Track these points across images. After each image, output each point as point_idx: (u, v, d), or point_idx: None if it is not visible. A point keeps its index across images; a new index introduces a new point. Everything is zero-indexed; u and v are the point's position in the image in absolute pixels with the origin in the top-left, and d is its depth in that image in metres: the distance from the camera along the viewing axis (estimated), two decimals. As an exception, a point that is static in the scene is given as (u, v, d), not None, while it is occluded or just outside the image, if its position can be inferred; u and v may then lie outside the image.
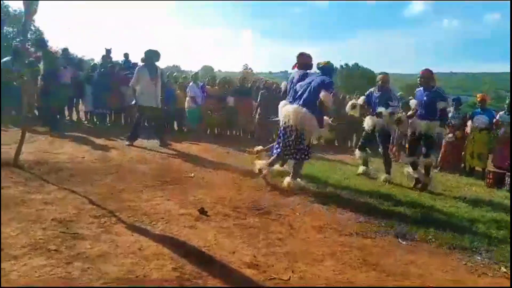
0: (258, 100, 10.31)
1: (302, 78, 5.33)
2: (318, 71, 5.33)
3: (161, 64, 9.38)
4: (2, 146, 5.32)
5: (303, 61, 5.54)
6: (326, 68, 5.26)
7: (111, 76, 10.00)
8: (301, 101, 5.04)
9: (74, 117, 10.38)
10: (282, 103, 5.45)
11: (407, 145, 7.40)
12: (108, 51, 10.81)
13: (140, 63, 7.52)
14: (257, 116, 10.32)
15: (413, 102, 6.35)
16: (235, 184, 5.11)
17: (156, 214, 3.57)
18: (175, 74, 12.58)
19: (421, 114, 6.13)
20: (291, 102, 5.23)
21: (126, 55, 11.18)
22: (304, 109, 4.97)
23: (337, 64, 47.07)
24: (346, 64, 48.62)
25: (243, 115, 10.40)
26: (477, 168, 8.52)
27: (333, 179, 5.96)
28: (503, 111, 8.38)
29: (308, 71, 5.47)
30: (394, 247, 3.43)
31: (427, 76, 6.08)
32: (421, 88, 6.18)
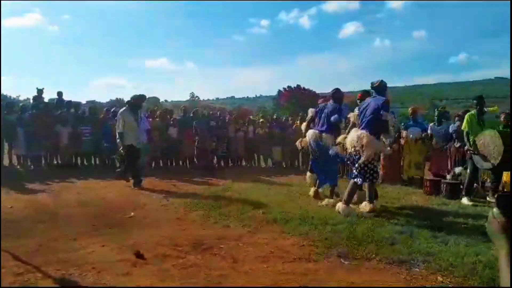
0: (194, 127, 10.30)
1: (333, 110, 6.15)
2: (372, 90, 5.70)
3: (104, 98, 9.27)
4: None
5: (339, 96, 6.33)
6: (380, 88, 5.56)
7: (44, 116, 9.51)
8: (363, 126, 5.41)
9: (6, 163, 9.68)
10: (310, 131, 6.41)
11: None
12: (40, 91, 10.32)
13: (122, 108, 7.83)
14: (195, 144, 10.25)
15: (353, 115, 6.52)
16: (178, 220, 4.95)
17: (88, 263, 3.33)
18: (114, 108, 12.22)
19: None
20: (320, 131, 6.24)
21: (59, 94, 10.73)
22: (367, 132, 5.33)
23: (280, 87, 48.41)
24: (289, 87, 49.91)
25: (187, 145, 10.26)
26: (415, 177, 8.90)
27: (278, 203, 5.96)
28: (433, 123, 8.93)
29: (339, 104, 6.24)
30: (337, 268, 3.43)
31: (365, 97, 6.35)
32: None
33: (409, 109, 9.51)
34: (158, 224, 4.79)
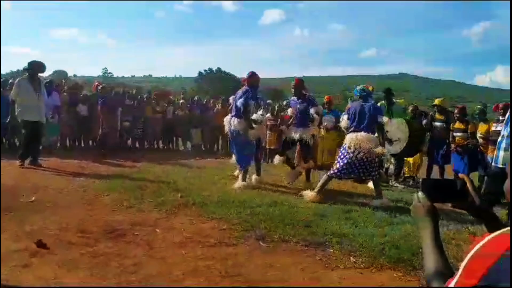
0: (100, 105, 9.48)
1: (242, 95, 6.11)
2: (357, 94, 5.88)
3: (4, 69, 8.21)
4: None
5: (252, 79, 6.29)
6: (369, 93, 5.87)
7: None
8: (364, 127, 5.52)
9: None
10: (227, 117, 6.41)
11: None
12: None
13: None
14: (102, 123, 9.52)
15: (290, 110, 6.68)
16: (86, 204, 4.56)
17: (-25, 255, 2.89)
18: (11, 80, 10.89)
19: (298, 122, 6.38)
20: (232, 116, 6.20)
21: None
22: (371, 135, 5.52)
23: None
24: (210, 69, 49.42)
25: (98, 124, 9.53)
26: (326, 163, 9.29)
27: (196, 186, 5.82)
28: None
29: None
30: (255, 252, 3.42)
31: (300, 86, 6.44)
32: (294, 97, 6.51)
33: (325, 98, 9.87)
34: (63, 208, 4.35)
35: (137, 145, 11.30)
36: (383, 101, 7.24)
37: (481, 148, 6.84)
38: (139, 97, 11.54)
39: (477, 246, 0.95)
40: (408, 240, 3.76)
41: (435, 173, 7.79)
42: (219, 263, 3.13)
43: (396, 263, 3.21)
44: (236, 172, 6.88)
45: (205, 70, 49.68)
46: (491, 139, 6.57)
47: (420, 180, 1.34)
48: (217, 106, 11.84)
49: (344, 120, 6.13)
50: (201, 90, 44.40)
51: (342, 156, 5.65)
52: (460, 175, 1.41)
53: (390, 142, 6.61)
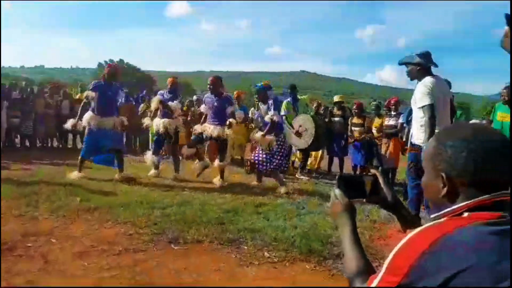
0: None
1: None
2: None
3: None
4: None
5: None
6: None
7: None
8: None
9: None
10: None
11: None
12: None
13: None
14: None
15: (203, 107, 6.56)
16: (-37, 216, 3.91)
17: None
18: None
19: (213, 120, 6.30)
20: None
21: None
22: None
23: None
24: (111, 60, 46.49)
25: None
26: (236, 157, 9.36)
27: (98, 188, 5.39)
28: (253, 108, 9.57)
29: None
30: (167, 256, 3.25)
31: (216, 83, 6.31)
32: (211, 94, 6.37)
33: (234, 93, 9.91)
34: None
35: (27, 143, 10.14)
36: (288, 99, 7.48)
37: (376, 140, 7.47)
38: (28, 90, 10.35)
39: (400, 243, 0.96)
40: (317, 230, 3.92)
41: (335, 165, 8.33)
42: (127, 271, 2.90)
43: (308, 255, 3.31)
44: (151, 172, 6.65)
45: (105, 62, 46.57)
46: (384, 132, 7.22)
47: (336, 177, 1.34)
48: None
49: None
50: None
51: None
52: (372, 170, 1.45)
53: (300, 135, 6.91)
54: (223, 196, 5.41)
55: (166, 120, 6.58)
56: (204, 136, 6.44)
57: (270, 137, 6.05)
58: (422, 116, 4.02)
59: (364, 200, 1.34)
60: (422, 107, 3.98)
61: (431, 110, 3.93)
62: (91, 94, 6.19)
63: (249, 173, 7.77)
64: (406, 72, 4.24)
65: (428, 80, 4.05)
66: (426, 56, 4.11)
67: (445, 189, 0.99)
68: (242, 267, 3.10)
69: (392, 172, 7.21)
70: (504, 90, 5.89)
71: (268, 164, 6.11)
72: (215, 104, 6.31)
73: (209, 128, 6.32)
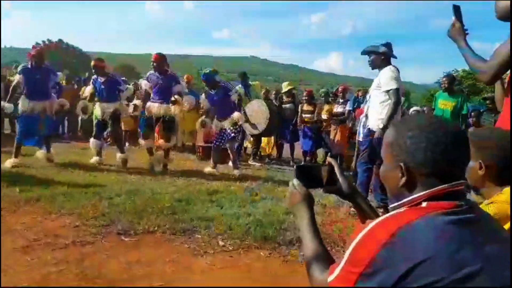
0: None
1: None
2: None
3: None
4: None
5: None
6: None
7: None
8: None
9: None
10: None
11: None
12: None
13: None
14: None
15: (145, 84, 6.23)
16: None
17: None
18: None
19: (157, 98, 6.07)
20: None
21: None
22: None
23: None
24: (49, 40, 43.51)
25: None
26: (187, 143, 9.21)
27: (39, 177, 5.07)
28: (204, 93, 9.39)
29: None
30: (117, 248, 3.13)
31: (161, 60, 6.02)
32: (155, 72, 6.07)
33: (184, 77, 9.66)
34: None
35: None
36: (239, 85, 7.43)
37: (325, 127, 7.66)
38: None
39: (361, 233, 0.97)
40: (271, 217, 3.95)
41: (286, 150, 8.47)
42: (74, 266, 2.75)
43: (262, 242, 3.33)
44: (93, 159, 6.35)
45: (43, 41, 43.50)
46: (334, 119, 7.41)
47: (294, 167, 1.34)
48: (61, 82, 10.46)
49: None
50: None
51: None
52: (328, 159, 1.46)
53: (253, 126, 6.93)
54: (175, 184, 5.30)
55: (105, 104, 6.28)
56: (155, 116, 6.18)
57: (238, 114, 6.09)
58: (384, 101, 4.14)
59: (321, 189, 1.36)
60: (388, 90, 4.10)
61: (397, 94, 4.08)
62: (19, 78, 5.98)
63: (201, 159, 7.71)
64: (368, 61, 4.36)
65: (393, 67, 4.21)
66: (389, 47, 4.27)
67: (404, 179, 1.01)
68: (196, 257, 3.06)
69: (340, 158, 7.45)
70: (444, 79, 6.24)
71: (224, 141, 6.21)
72: (160, 82, 6.08)
73: (154, 107, 6.10)
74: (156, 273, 2.74)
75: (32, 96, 5.95)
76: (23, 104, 5.93)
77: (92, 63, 6.40)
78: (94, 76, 6.48)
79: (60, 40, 44.45)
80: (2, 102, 6.10)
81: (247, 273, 2.84)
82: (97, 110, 6.41)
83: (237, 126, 6.13)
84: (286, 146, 8.52)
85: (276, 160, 8.38)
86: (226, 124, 6.06)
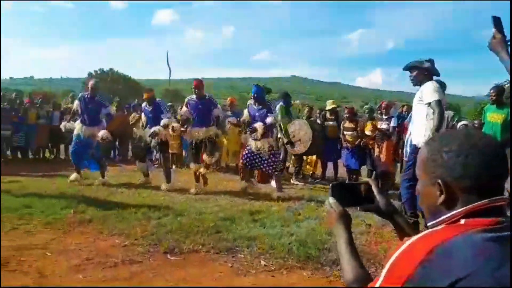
0: None
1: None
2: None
3: None
4: None
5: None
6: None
7: None
8: None
9: None
10: None
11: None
12: None
13: None
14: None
15: (184, 111, 6.54)
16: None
17: None
18: None
19: (197, 122, 6.31)
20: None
21: None
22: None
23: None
24: (101, 69, 46.29)
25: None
26: (230, 165, 9.35)
27: (92, 199, 5.34)
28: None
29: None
30: (163, 266, 3.23)
31: (199, 86, 6.31)
32: (194, 97, 6.34)
33: (228, 100, 9.91)
34: None
35: (19, 155, 10.04)
36: (281, 103, 7.50)
37: (369, 144, 7.50)
38: (18, 101, 10.26)
39: (398, 251, 0.96)
40: (314, 236, 3.91)
41: (329, 169, 8.34)
42: (123, 283, 2.88)
43: (305, 262, 3.30)
44: (141, 179, 6.71)
45: (95, 71, 46.35)
46: (377, 136, 7.25)
47: (330, 185, 1.34)
48: (106, 110, 11.07)
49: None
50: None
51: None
52: (365, 179, 1.46)
53: (292, 144, 6.93)
54: (218, 204, 5.39)
55: (154, 128, 6.51)
56: (194, 142, 6.40)
57: (264, 139, 6.06)
58: (427, 114, 4.03)
59: (358, 208, 1.35)
60: (430, 103, 3.99)
61: (440, 106, 3.97)
62: (76, 104, 6.91)
63: (243, 180, 7.77)
64: (410, 77, 4.25)
65: (435, 81, 4.14)
66: (432, 63, 4.18)
67: (443, 196, 0.99)
68: (240, 276, 3.09)
69: (386, 176, 7.23)
70: (492, 91, 5.96)
71: (258, 164, 6.17)
72: (200, 106, 6.30)
73: (194, 131, 6.33)
74: (200, 292, 2.79)
75: (86, 122, 6.71)
76: (78, 128, 6.72)
77: (145, 96, 6.79)
78: (144, 104, 6.88)
79: (111, 69, 47.10)
80: (63, 122, 7.16)
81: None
82: (146, 135, 6.74)
83: (272, 148, 6.12)
84: (331, 165, 8.40)
85: (320, 179, 8.27)
86: (261, 144, 6.06)
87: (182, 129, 6.53)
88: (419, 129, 4.14)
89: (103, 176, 6.80)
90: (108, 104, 7.25)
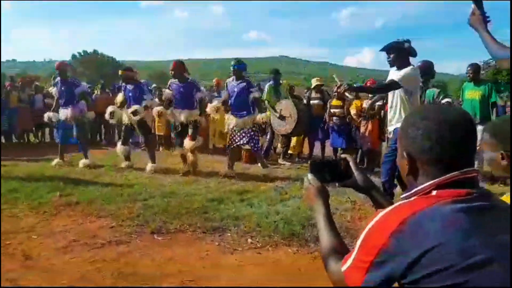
0: None
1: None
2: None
3: None
4: None
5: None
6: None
7: None
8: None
9: None
10: None
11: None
12: None
13: None
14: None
15: (167, 93, 6.41)
16: None
17: None
18: None
19: (179, 105, 6.22)
20: None
21: None
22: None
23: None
24: (85, 51, 45.32)
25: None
26: (218, 146, 9.33)
27: (78, 182, 5.32)
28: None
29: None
30: (151, 247, 3.26)
31: (180, 68, 6.17)
32: (176, 80, 6.22)
33: (214, 81, 9.83)
34: None
35: (2, 140, 9.89)
36: (271, 82, 7.48)
37: (357, 123, 7.54)
38: (1, 85, 10.02)
39: (372, 222, 0.99)
40: (299, 215, 3.96)
41: (317, 149, 8.40)
42: (111, 264, 2.91)
43: (290, 239, 3.37)
44: (123, 164, 6.60)
45: (79, 53, 45.41)
46: (363, 115, 7.30)
47: (309, 162, 1.37)
48: (96, 91, 10.93)
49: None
50: (76, 74, 40.54)
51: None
52: (342, 155, 1.48)
53: (283, 118, 6.93)
54: (207, 186, 5.40)
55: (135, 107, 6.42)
56: (177, 124, 6.36)
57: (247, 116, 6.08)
58: (405, 98, 4.04)
59: (337, 184, 1.38)
60: (403, 87, 4.01)
61: (391, 85, 4.06)
62: (54, 91, 6.93)
63: (229, 160, 7.78)
64: (388, 59, 4.18)
65: (415, 68, 4.16)
66: (410, 43, 4.10)
67: (407, 167, 1.02)
68: (226, 254, 3.14)
69: (374, 154, 7.30)
70: (469, 68, 6.03)
71: (238, 140, 6.20)
72: (181, 89, 6.21)
73: (179, 113, 6.24)
74: (187, 271, 2.84)
75: (63, 105, 6.76)
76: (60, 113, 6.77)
77: (120, 72, 6.76)
78: (123, 84, 6.74)
79: (95, 51, 46.15)
80: (48, 113, 6.96)
81: (275, 269, 2.89)
82: (124, 116, 6.64)
83: (255, 127, 6.13)
84: (318, 145, 8.44)
85: (307, 159, 8.32)
86: (244, 124, 6.07)
87: (168, 111, 6.43)
88: (399, 113, 4.13)
89: (86, 157, 6.80)
90: (80, 83, 7.11)
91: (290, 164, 7.57)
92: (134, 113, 6.33)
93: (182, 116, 6.19)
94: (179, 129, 6.37)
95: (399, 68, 4.09)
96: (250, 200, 4.63)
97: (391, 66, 4.22)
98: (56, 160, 6.77)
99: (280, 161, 7.74)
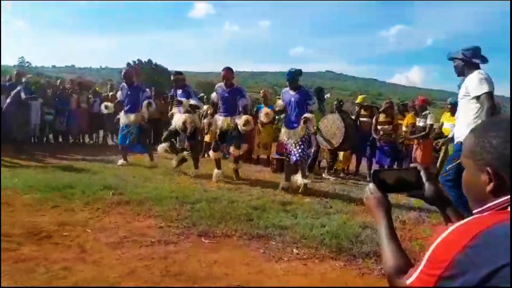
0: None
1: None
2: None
3: None
4: None
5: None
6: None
7: None
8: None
9: None
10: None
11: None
12: None
13: None
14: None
15: (213, 96, 6.62)
16: (5, 205, 4.10)
17: None
18: None
19: (224, 111, 6.33)
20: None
21: None
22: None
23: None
24: (139, 60, 47.45)
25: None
26: (262, 156, 9.36)
27: (130, 183, 5.52)
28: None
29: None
30: (197, 248, 3.31)
31: (228, 75, 6.32)
32: (222, 84, 6.36)
33: (261, 92, 9.92)
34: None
35: (60, 139, 10.51)
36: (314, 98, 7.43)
37: (409, 143, 7.30)
38: (61, 88, 10.70)
39: (442, 236, 0.94)
40: (346, 229, 3.87)
41: (363, 166, 8.20)
42: (159, 262, 2.97)
43: (337, 253, 3.29)
44: (175, 161, 6.91)
45: (133, 62, 47.61)
46: (416, 134, 7.06)
47: (372, 172, 1.33)
48: (144, 98, 11.35)
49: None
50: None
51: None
52: (413, 164, 1.42)
53: (328, 141, 6.81)
54: (250, 194, 5.43)
55: (184, 115, 6.63)
56: (220, 129, 6.39)
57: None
58: (476, 110, 3.61)
59: (406, 194, 1.33)
60: (479, 96, 3.56)
61: (491, 98, 3.54)
62: (119, 94, 7.62)
63: (275, 171, 7.80)
64: (454, 67, 3.92)
65: (481, 70, 3.71)
66: (473, 51, 3.79)
67: (492, 184, 0.95)
68: (271, 262, 3.12)
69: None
70: None
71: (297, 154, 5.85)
72: (226, 95, 6.29)
73: (219, 120, 6.34)
74: (233, 274, 2.85)
75: (128, 110, 7.26)
76: (121, 116, 7.36)
77: (172, 77, 7.17)
78: (173, 90, 7.14)
79: (149, 61, 48.22)
80: (104, 103, 7.81)
81: (321, 282, 2.83)
82: (175, 118, 6.89)
83: (303, 138, 5.85)
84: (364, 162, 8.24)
85: (353, 175, 8.15)
86: (294, 135, 5.85)
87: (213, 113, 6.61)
88: (466, 127, 3.56)
89: (151, 159, 7.38)
90: (145, 88, 7.68)
91: (334, 179, 7.44)
92: (192, 106, 6.57)
93: (225, 123, 6.28)
94: (219, 134, 6.47)
95: (465, 75, 3.81)
96: (294, 211, 4.59)
97: (458, 75, 3.97)
98: (120, 161, 7.31)
99: (324, 175, 7.64)
